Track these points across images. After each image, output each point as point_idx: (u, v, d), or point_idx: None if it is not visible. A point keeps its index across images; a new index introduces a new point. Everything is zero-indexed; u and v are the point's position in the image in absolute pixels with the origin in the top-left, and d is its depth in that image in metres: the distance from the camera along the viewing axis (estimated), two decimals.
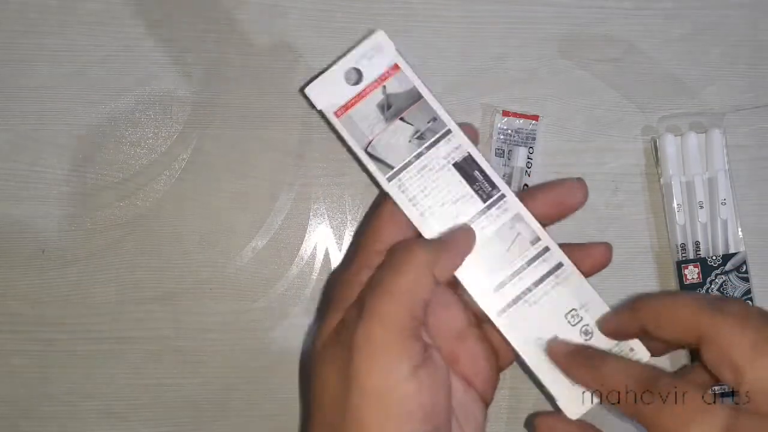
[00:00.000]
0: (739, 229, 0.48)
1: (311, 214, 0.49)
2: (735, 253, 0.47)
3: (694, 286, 0.47)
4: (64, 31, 0.49)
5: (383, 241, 0.38)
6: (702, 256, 0.48)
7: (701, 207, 0.48)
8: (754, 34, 0.51)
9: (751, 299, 0.47)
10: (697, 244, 0.48)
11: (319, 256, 0.49)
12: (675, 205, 0.48)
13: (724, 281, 0.47)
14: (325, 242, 0.49)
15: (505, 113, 0.49)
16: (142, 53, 0.49)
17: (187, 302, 0.48)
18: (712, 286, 0.47)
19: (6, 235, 0.48)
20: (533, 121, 0.49)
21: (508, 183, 0.48)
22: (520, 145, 0.49)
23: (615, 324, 0.39)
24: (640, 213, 0.50)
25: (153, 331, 0.48)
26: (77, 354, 0.48)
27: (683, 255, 0.48)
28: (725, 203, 0.48)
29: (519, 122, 0.49)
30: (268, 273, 0.49)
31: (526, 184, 0.49)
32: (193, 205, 0.49)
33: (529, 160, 0.49)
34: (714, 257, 0.47)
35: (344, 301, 0.38)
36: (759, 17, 0.51)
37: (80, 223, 0.48)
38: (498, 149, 0.49)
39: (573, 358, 0.38)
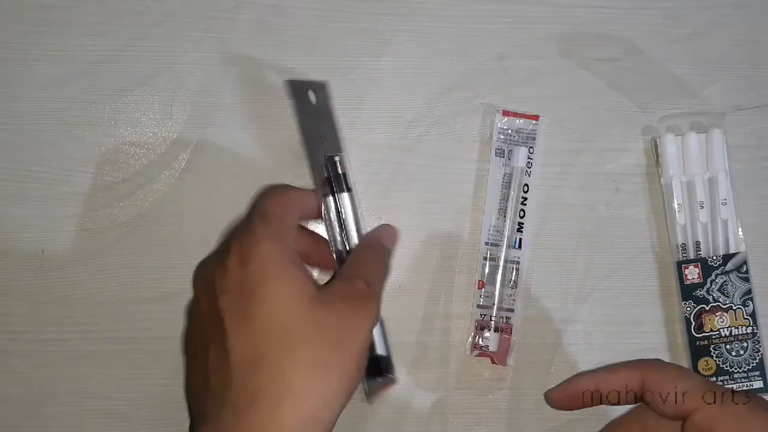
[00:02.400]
0: (740, 229, 0.48)
1: None
2: (735, 253, 0.47)
3: (694, 286, 0.47)
4: (64, 31, 0.49)
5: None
6: (702, 256, 0.48)
7: (702, 207, 0.48)
8: (754, 34, 0.51)
9: (751, 299, 0.47)
10: (697, 244, 0.48)
11: None
12: (675, 205, 0.48)
13: (725, 281, 0.47)
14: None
15: (506, 113, 0.49)
16: (142, 53, 0.49)
17: (187, 302, 0.48)
18: (713, 286, 0.47)
19: (6, 235, 0.48)
20: (533, 121, 0.49)
21: (508, 183, 0.48)
22: (521, 145, 0.49)
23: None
24: (641, 213, 0.50)
25: (153, 331, 0.48)
26: (77, 354, 0.48)
27: (684, 255, 0.48)
28: (726, 203, 0.48)
29: (519, 122, 0.49)
30: None
31: (526, 184, 0.49)
32: (193, 205, 0.49)
33: (529, 159, 0.49)
34: (714, 257, 0.47)
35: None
36: (759, 17, 0.51)
37: (80, 223, 0.48)
38: (498, 149, 0.49)
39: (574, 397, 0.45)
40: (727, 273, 0.47)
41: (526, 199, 0.49)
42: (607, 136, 0.50)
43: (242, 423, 0.36)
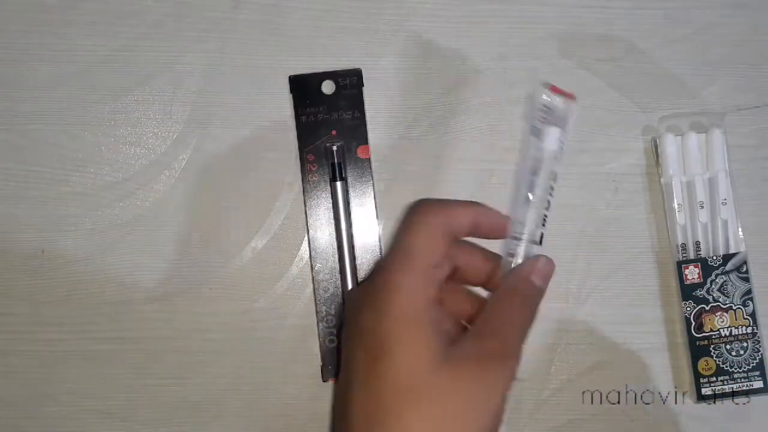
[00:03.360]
0: (740, 229, 0.48)
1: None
2: (735, 253, 0.47)
3: (694, 286, 0.47)
4: (64, 31, 0.49)
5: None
6: (702, 256, 0.48)
7: (702, 207, 0.48)
8: (754, 34, 0.51)
9: (751, 299, 0.47)
10: (697, 244, 0.48)
11: None
12: (675, 205, 0.48)
13: (725, 281, 0.47)
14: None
15: (554, 89, 0.43)
16: (142, 53, 0.49)
17: (187, 302, 0.48)
18: (713, 286, 0.47)
19: (6, 235, 0.48)
20: (569, 100, 0.44)
21: (536, 171, 0.44)
22: (553, 125, 0.43)
23: None
24: (641, 213, 0.50)
25: (153, 331, 0.48)
26: (77, 354, 0.48)
27: (684, 255, 0.48)
28: (726, 203, 0.48)
29: (556, 100, 0.43)
30: (268, 273, 0.49)
31: (555, 173, 0.44)
32: (193, 205, 0.49)
33: (561, 143, 0.44)
34: (714, 257, 0.47)
35: None
36: (759, 17, 0.51)
37: (80, 223, 0.48)
38: (533, 127, 0.44)
39: None
40: (727, 273, 0.47)
41: (553, 188, 0.45)
42: (607, 136, 0.50)
43: None
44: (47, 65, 0.49)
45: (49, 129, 0.49)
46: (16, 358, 0.48)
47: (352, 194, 0.48)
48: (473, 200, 0.45)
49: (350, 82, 0.48)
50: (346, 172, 0.48)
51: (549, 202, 0.45)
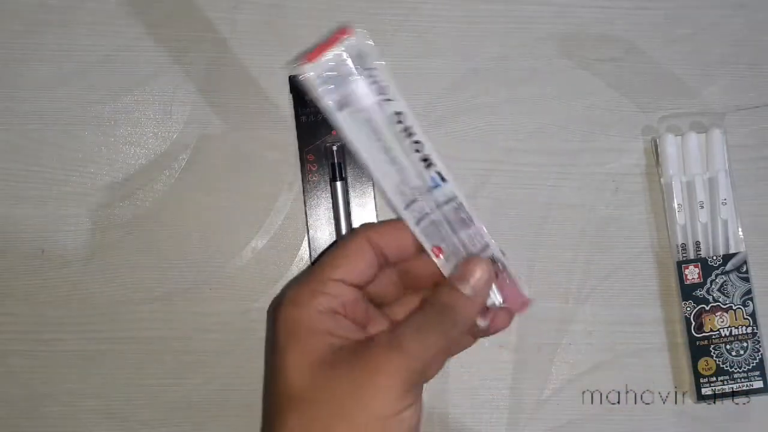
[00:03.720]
0: (740, 229, 0.48)
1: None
2: (735, 253, 0.47)
3: (694, 286, 0.47)
4: (64, 31, 0.49)
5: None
6: (702, 256, 0.48)
7: (702, 207, 0.48)
8: (754, 34, 0.51)
9: (751, 299, 0.47)
10: (697, 244, 0.48)
11: None
12: (675, 205, 0.48)
13: (725, 281, 0.47)
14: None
15: (309, 56, 0.35)
16: (142, 53, 0.49)
17: (187, 302, 0.48)
18: (713, 286, 0.47)
19: (6, 235, 0.48)
20: (346, 39, 0.35)
21: (376, 128, 0.37)
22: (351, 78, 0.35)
23: None
24: (641, 213, 0.50)
25: (153, 331, 0.48)
26: (77, 354, 0.48)
27: (684, 255, 0.48)
28: (726, 203, 0.48)
29: (329, 57, 0.35)
30: (268, 273, 0.49)
31: (397, 112, 0.37)
32: (193, 205, 0.49)
33: (376, 86, 0.36)
34: (714, 257, 0.47)
35: None
36: (759, 17, 0.51)
37: (80, 223, 0.48)
38: (334, 102, 0.36)
39: None
40: (727, 273, 0.47)
41: (410, 127, 0.37)
42: (607, 136, 0.50)
43: None
44: (47, 65, 0.49)
45: (49, 129, 0.49)
46: (16, 358, 0.48)
47: (352, 194, 0.48)
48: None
49: None
50: (346, 172, 0.48)
51: (419, 141, 0.37)
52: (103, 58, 0.49)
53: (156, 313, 0.48)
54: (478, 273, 0.37)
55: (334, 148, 0.48)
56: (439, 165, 0.37)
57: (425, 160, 0.37)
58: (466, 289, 0.37)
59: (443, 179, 0.38)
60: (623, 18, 0.50)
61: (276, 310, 0.38)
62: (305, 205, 0.48)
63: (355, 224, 0.48)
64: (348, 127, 0.36)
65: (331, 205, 0.48)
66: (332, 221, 0.48)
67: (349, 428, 0.34)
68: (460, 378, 0.48)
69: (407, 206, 0.38)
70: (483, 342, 0.48)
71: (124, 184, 0.49)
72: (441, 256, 0.38)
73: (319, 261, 0.40)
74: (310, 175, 0.48)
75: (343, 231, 0.48)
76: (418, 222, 0.38)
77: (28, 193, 0.48)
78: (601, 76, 0.50)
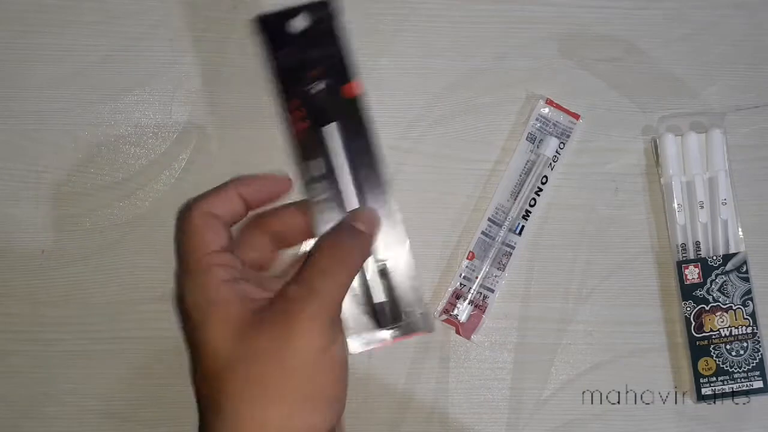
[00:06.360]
0: (740, 229, 0.48)
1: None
2: (735, 253, 0.47)
3: (694, 286, 0.47)
4: (64, 31, 0.49)
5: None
6: (702, 256, 0.48)
7: (702, 207, 0.48)
8: (754, 34, 0.51)
9: (751, 299, 0.47)
10: (697, 244, 0.48)
11: None
12: (675, 205, 0.48)
13: (725, 281, 0.47)
14: None
15: (549, 102, 0.49)
16: (142, 53, 0.49)
17: None
18: (713, 286, 0.47)
19: (6, 235, 0.48)
20: (573, 119, 0.49)
21: (529, 170, 0.49)
22: (554, 136, 0.49)
23: None
24: (641, 213, 0.50)
25: (153, 331, 0.48)
26: (77, 354, 0.48)
27: (684, 255, 0.48)
28: (726, 203, 0.48)
29: (560, 116, 0.49)
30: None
31: (545, 176, 0.49)
32: None
33: (557, 153, 0.49)
34: (714, 257, 0.47)
35: None
36: (759, 17, 0.51)
37: (80, 223, 0.48)
38: (530, 134, 0.49)
39: None
40: (727, 273, 0.47)
41: (541, 189, 0.49)
42: (607, 136, 0.50)
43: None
44: (47, 65, 0.49)
45: (49, 129, 0.49)
46: (16, 358, 0.48)
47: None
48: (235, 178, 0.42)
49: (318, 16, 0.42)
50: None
51: (535, 200, 0.48)
52: (103, 58, 0.49)
53: (156, 313, 0.48)
54: (373, 214, 0.42)
55: (313, 92, 0.43)
56: (530, 224, 0.49)
57: (527, 213, 0.49)
58: (362, 226, 0.40)
59: (521, 233, 0.49)
60: (623, 18, 0.50)
61: (180, 299, 0.39)
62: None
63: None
64: (520, 152, 0.49)
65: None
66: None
67: (283, 374, 0.35)
68: (460, 378, 0.48)
69: (489, 219, 0.48)
70: (483, 342, 0.49)
71: (124, 184, 0.49)
72: (470, 260, 0.48)
73: (182, 254, 0.41)
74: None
75: (347, 185, 0.43)
76: (483, 233, 0.48)
77: (28, 193, 0.48)
78: (601, 76, 0.50)
